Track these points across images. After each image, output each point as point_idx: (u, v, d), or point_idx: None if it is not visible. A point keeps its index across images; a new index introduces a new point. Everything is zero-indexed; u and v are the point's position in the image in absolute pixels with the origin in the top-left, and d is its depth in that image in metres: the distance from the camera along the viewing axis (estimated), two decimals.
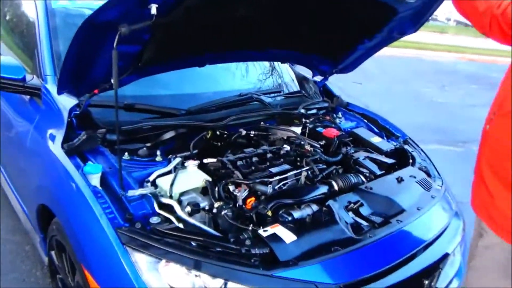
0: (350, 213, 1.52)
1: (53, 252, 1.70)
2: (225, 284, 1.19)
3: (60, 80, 1.47)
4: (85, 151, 1.53)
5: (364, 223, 1.49)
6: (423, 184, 1.77)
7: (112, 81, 1.29)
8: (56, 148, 1.54)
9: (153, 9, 1.18)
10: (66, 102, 1.61)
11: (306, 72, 2.59)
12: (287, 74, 2.59)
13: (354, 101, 2.58)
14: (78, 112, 1.56)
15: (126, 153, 1.57)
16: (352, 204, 1.54)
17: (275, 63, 2.55)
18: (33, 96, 1.81)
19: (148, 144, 1.67)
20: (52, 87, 1.72)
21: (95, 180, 1.39)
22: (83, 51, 1.30)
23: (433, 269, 1.52)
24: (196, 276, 1.20)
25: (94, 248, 1.30)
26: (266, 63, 2.55)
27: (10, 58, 1.90)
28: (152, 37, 1.36)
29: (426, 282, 1.48)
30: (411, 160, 1.97)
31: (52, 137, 1.61)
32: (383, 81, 7.65)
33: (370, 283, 1.29)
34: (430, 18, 2.01)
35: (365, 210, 1.54)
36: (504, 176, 1.36)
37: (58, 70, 1.79)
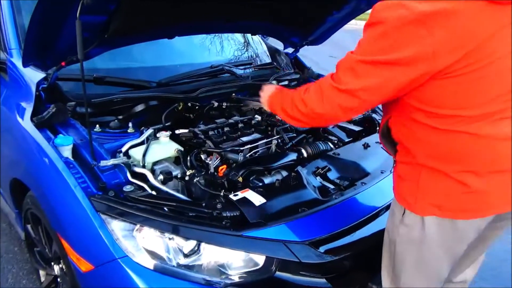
0: (318, 177, 1.60)
1: (29, 226, 1.72)
2: (198, 245, 1.25)
3: (24, 52, 1.44)
4: (55, 124, 1.53)
5: (331, 186, 1.56)
6: None
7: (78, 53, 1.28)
8: (25, 122, 1.54)
9: None
10: (33, 75, 1.59)
11: (278, 45, 2.62)
12: (259, 47, 2.60)
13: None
14: (46, 85, 1.54)
15: (98, 125, 1.59)
16: (320, 169, 1.62)
17: (248, 36, 2.56)
18: None
19: (120, 117, 1.69)
20: (17, 61, 1.69)
21: (67, 152, 1.41)
22: (47, 21, 1.28)
23: None
24: (170, 239, 1.25)
25: (70, 217, 1.33)
26: (239, 37, 2.55)
27: None
28: (118, 6, 1.35)
29: None
30: (378, 128, 2.06)
31: (21, 111, 1.60)
32: None
33: (336, 240, 1.37)
34: None
35: (332, 175, 1.62)
36: None
37: (23, 44, 1.76)
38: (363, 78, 0.98)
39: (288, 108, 1.20)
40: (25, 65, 1.51)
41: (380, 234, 1.43)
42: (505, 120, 0.98)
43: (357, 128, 1.99)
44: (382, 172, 1.68)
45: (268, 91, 1.40)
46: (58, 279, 1.64)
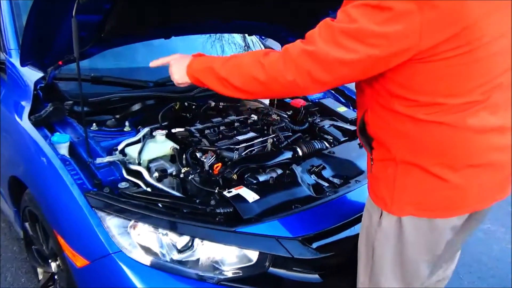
0: (313, 175, 1.61)
1: (27, 224, 1.73)
2: (192, 241, 1.26)
3: (22, 51, 1.46)
4: (53, 122, 1.55)
5: (325, 184, 1.57)
6: None
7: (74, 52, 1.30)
8: (23, 120, 1.56)
9: None
10: (32, 75, 1.62)
11: (276, 46, 2.63)
12: (257, 48, 2.62)
13: None
14: (43, 84, 1.57)
15: (94, 124, 1.61)
16: (314, 168, 1.63)
17: (247, 39, 2.57)
18: None
19: (117, 116, 1.71)
20: (16, 61, 1.71)
21: (63, 150, 1.43)
22: (43, 20, 1.30)
23: None
24: (163, 235, 1.26)
25: (65, 214, 1.35)
26: (238, 39, 2.57)
27: None
28: (113, 6, 1.37)
29: None
30: None
31: (19, 110, 1.62)
32: None
33: (329, 236, 1.38)
34: None
35: (327, 173, 1.63)
36: None
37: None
38: (343, 50, 0.90)
39: (233, 76, 1.04)
40: (22, 64, 1.53)
41: None
42: (482, 111, 0.96)
43: (353, 128, 2.00)
44: None
45: (181, 60, 1.20)
46: (55, 276, 1.66)
